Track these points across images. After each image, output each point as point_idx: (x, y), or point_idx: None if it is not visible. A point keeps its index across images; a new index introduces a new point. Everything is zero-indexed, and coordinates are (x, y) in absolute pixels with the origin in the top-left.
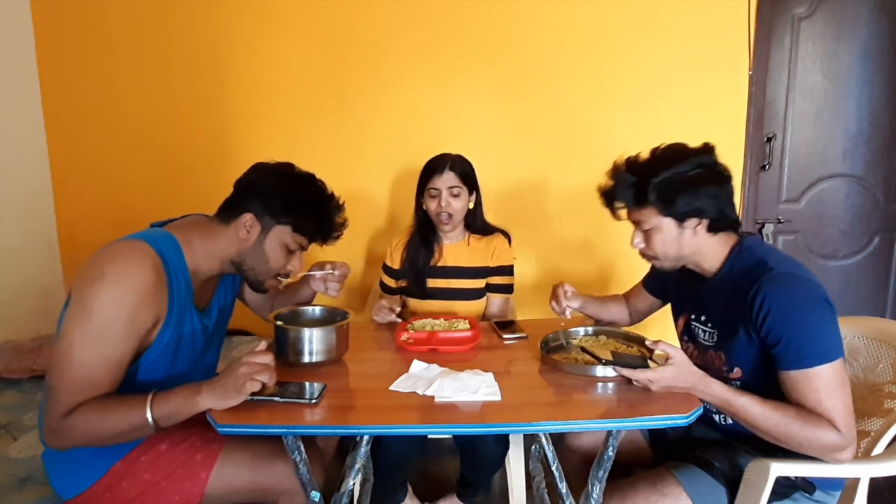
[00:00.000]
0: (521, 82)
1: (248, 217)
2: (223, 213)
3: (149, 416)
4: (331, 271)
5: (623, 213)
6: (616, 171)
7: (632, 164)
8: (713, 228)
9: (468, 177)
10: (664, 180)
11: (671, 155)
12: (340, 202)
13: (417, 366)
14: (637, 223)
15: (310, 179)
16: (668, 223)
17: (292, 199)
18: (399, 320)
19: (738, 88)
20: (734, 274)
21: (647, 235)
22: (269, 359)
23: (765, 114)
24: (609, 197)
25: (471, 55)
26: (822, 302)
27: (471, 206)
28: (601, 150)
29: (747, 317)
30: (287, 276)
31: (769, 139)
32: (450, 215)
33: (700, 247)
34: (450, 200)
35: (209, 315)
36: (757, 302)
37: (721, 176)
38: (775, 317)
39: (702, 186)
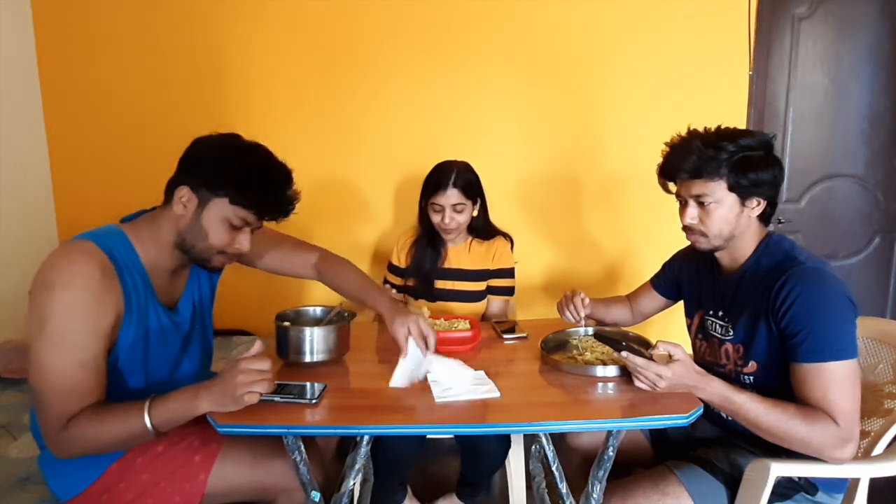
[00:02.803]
0: (524, 82)
1: (183, 191)
2: (166, 193)
3: (147, 422)
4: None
5: (675, 186)
6: (687, 141)
7: (704, 135)
8: (762, 215)
9: (472, 189)
10: (741, 154)
11: (739, 132)
12: (289, 173)
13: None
14: (697, 197)
15: (252, 149)
16: (732, 199)
17: (229, 170)
18: None
19: (738, 88)
20: (760, 267)
21: (706, 210)
22: (266, 365)
23: (765, 114)
24: (674, 166)
25: (475, 53)
26: (847, 301)
27: (474, 214)
28: (603, 150)
29: (770, 307)
30: (238, 255)
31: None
32: (453, 227)
33: (744, 232)
34: (453, 216)
35: (180, 312)
36: (783, 293)
37: (780, 162)
38: (800, 308)
39: (771, 167)
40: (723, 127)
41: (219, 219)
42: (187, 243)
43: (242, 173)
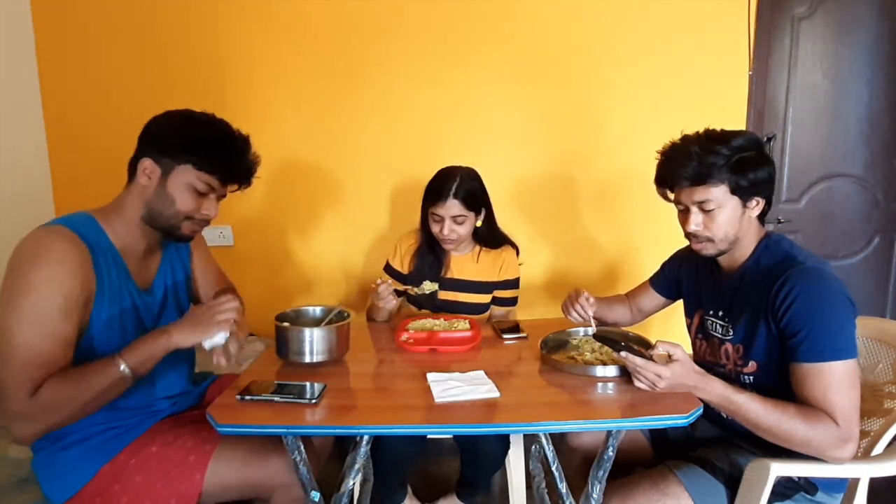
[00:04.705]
0: (523, 82)
1: (146, 162)
2: (129, 173)
3: (122, 365)
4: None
5: (673, 195)
6: (685, 147)
7: (699, 140)
8: (760, 214)
9: (474, 199)
10: (737, 156)
11: (728, 134)
12: (247, 139)
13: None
14: (700, 203)
15: (210, 117)
16: (734, 202)
17: (190, 137)
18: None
19: (738, 88)
20: (759, 267)
21: (711, 216)
22: (234, 301)
23: (765, 114)
24: (673, 174)
25: (474, 52)
26: (846, 301)
27: (478, 224)
28: (602, 150)
29: (769, 307)
30: (206, 221)
31: (769, 139)
32: (453, 240)
33: (746, 232)
34: (454, 228)
35: (153, 293)
36: (783, 292)
37: (772, 160)
38: (800, 308)
39: (766, 165)
40: (710, 129)
41: (183, 185)
42: (155, 212)
43: (203, 139)
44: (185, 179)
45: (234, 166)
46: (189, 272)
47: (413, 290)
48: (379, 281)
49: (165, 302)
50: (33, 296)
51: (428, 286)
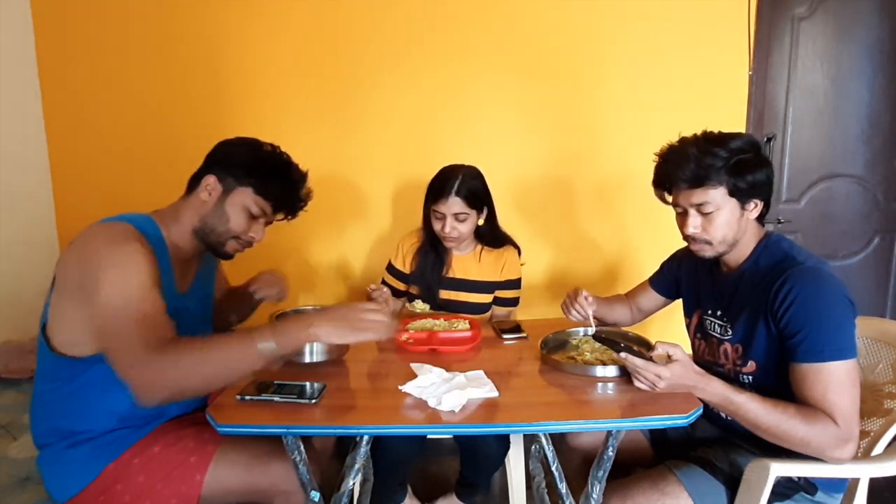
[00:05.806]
0: (523, 83)
1: (210, 179)
2: (189, 186)
3: (259, 340)
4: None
5: (672, 197)
6: (682, 149)
7: (697, 142)
8: (760, 215)
9: (477, 197)
10: (735, 158)
11: (727, 136)
12: (305, 173)
13: (421, 375)
14: (698, 205)
15: (274, 148)
16: (732, 204)
17: (254, 162)
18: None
19: (738, 88)
20: (759, 267)
21: (709, 218)
22: (383, 315)
23: (765, 114)
24: (671, 176)
25: (473, 53)
26: (846, 300)
27: (480, 222)
28: (602, 150)
29: (769, 307)
30: (249, 243)
31: (769, 139)
32: (455, 237)
33: (744, 233)
34: (455, 225)
35: (188, 300)
36: (782, 292)
37: (770, 161)
38: (799, 308)
39: (764, 167)
40: (707, 131)
41: (240, 206)
42: (207, 227)
43: (267, 167)
44: (243, 201)
45: (287, 195)
46: (213, 289)
47: (407, 305)
48: (372, 287)
49: (196, 310)
50: (127, 267)
51: (419, 305)
